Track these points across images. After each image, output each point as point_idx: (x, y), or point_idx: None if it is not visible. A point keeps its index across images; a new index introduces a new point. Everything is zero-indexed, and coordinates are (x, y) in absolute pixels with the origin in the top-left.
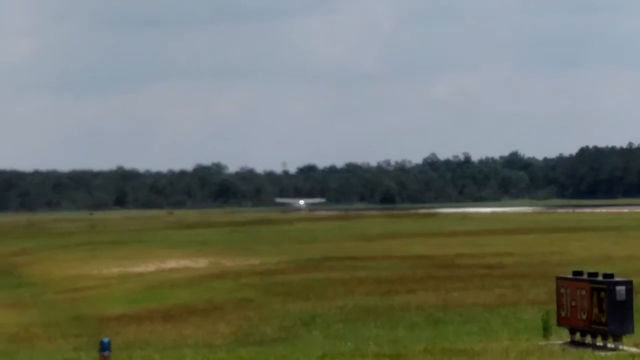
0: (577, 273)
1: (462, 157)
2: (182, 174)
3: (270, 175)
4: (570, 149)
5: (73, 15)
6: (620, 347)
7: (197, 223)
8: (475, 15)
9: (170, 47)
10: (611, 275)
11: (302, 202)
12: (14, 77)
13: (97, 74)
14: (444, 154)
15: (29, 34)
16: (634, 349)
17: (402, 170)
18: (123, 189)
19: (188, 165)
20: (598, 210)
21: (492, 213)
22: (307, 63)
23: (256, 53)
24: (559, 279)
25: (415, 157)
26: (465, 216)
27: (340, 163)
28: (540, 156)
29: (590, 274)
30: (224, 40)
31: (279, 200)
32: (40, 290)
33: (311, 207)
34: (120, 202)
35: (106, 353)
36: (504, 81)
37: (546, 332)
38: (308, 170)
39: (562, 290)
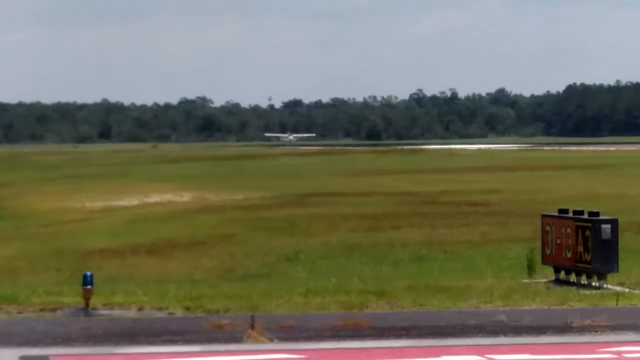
0: (563, 211)
1: (448, 94)
2: (167, 107)
3: (255, 110)
4: (557, 86)
5: None
6: (605, 285)
7: (182, 157)
8: None
9: None
10: (597, 214)
11: (292, 136)
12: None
13: (84, 6)
14: (430, 90)
15: None
16: (618, 288)
17: (388, 106)
18: (107, 122)
19: (173, 98)
20: (585, 148)
21: (478, 150)
22: None
23: None
24: (544, 216)
25: (402, 93)
26: (451, 153)
27: (326, 98)
28: (527, 93)
29: (576, 212)
30: None
31: (268, 134)
32: (23, 223)
33: (301, 142)
34: (104, 135)
35: (89, 287)
36: (491, 18)
37: (531, 270)
38: (294, 105)
39: (547, 228)
